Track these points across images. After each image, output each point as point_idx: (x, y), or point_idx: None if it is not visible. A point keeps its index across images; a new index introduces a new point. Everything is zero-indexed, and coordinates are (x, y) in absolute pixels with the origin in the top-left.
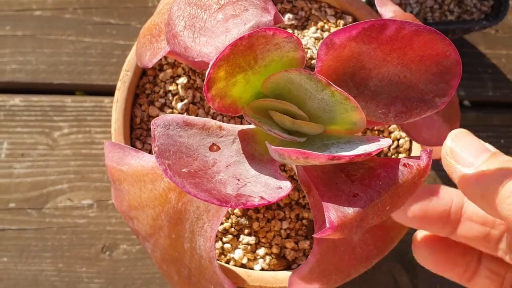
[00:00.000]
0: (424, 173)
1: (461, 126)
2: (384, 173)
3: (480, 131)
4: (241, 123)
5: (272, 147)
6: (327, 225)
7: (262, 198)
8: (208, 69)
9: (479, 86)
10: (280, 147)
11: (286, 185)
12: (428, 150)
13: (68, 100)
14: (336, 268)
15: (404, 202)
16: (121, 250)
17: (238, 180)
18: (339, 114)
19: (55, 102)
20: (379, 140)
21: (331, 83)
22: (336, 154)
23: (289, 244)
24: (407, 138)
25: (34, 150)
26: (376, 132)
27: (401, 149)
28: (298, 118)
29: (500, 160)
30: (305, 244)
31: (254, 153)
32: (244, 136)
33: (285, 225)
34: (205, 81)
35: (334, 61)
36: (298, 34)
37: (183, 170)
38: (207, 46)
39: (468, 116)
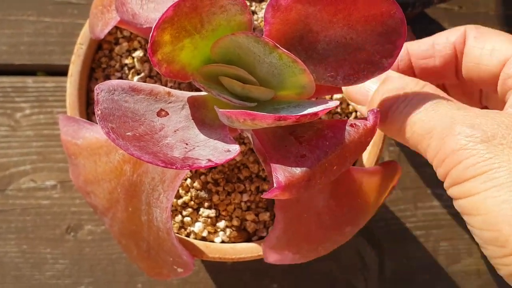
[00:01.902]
0: (371, 132)
1: None
2: (331, 133)
3: None
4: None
5: (220, 110)
6: (275, 185)
7: (209, 160)
8: (151, 31)
9: None
10: (227, 110)
11: (235, 148)
12: (375, 111)
13: (29, 80)
14: (305, 236)
15: (352, 161)
16: (85, 230)
17: (187, 144)
18: (287, 78)
19: (16, 83)
20: (327, 102)
21: (278, 46)
22: (282, 114)
23: (250, 217)
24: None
25: None
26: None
27: (350, 108)
28: (248, 83)
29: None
30: (265, 216)
31: (205, 119)
32: (194, 103)
33: (245, 197)
34: (149, 44)
35: (282, 25)
36: (256, 7)
37: (127, 134)
38: (155, 12)
39: None
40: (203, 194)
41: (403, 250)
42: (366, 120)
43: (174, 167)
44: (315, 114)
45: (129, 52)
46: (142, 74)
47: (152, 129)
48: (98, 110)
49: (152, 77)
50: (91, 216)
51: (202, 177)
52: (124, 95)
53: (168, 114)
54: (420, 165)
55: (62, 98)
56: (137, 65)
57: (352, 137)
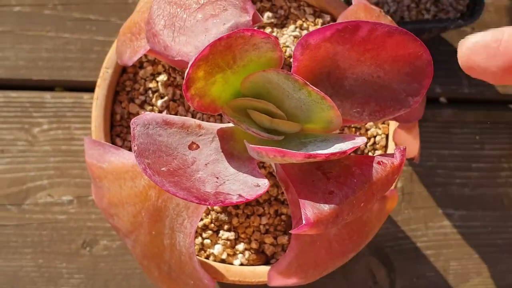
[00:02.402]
0: (398, 170)
1: (438, 123)
2: (359, 170)
3: (456, 127)
4: (221, 121)
5: (251, 145)
6: (303, 221)
7: (240, 195)
8: (187, 69)
9: (455, 83)
10: (258, 146)
11: (264, 183)
12: (402, 148)
13: (47, 96)
14: (314, 263)
15: (378, 198)
16: (101, 245)
17: (217, 178)
18: (315, 113)
19: (35, 98)
20: (354, 139)
21: (308, 83)
22: (312, 152)
23: (268, 240)
24: (383, 135)
25: (13, 146)
26: (354, 129)
27: (377, 145)
28: (276, 117)
29: None
30: (283, 239)
31: (233, 151)
32: (223, 135)
33: (264, 220)
34: (184, 81)
35: (310, 61)
36: (277, 33)
37: (162, 169)
38: (187, 46)
39: (444, 112)
40: (223, 216)
41: (413, 269)
42: (393, 157)
43: (208, 204)
44: (344, 152)
45: (153, 76)
46: (166, 98)
47: (184, 163)
48: (135, 146)
49: (175, 100)
50: (107, 231)
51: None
52: (158, 129)
53: (199, 147)
54: (432, 185)
55: (80, 114)
56: (161, 89)
57: (380, 175)
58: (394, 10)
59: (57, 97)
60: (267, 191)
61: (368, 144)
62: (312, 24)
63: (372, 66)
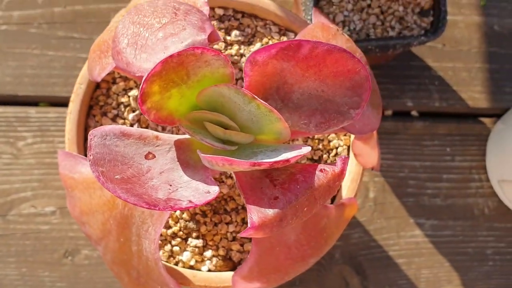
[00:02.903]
0: (339, 178)
1: (410, 135)
2: (302, 177)
3: (427, 140)
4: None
5: (202, 154)
6: (249, 225)
7: (190, 201)
8: (141, 83)
9: (426, 97)
10: (209, 155)
11: (214, 190)
12: (343, 157)
13: (32, 111)
14: (274, 268)
15: (322, 203)
16: (82, 255)
17: (170, 185)
18: (265, 125)
19: (20, 113)
20: (300, 148)
21: (256, 97)
22: (257, 161)
23: (235, 247)
24: (345, 146)
25: None
26: (316, 141)
27: (331, 145)
28: (230, 129)
29: None
30: (250, 246)
31: (189, 160)
32: (180, 145)
33: (231, 228)
34: (139, 95)
35: (260, 77)
36: (244, 50)
37: (116, 177)
38: (147, 62)
39: (415, 125)
40: (191, 224)
41: (386, 277)
42: (335, 165)
43: (157, 209)
44: (287, 160)
45: (125, 91)
46: (137, 112)
47: (139, 171)
48: (90, 155)
49: None
50: (88, 241)
51: (191, 209)
52: (115, 140)
53: (155, 156)
54: (404, 195)
55: (63, 128)
56: (133, 103)
57: (321, 181)
58: (360, 28)
59: (42, 112)
60: (235, 200)
61: (331, 155)
62: (278, 42)
63: (316, 81)
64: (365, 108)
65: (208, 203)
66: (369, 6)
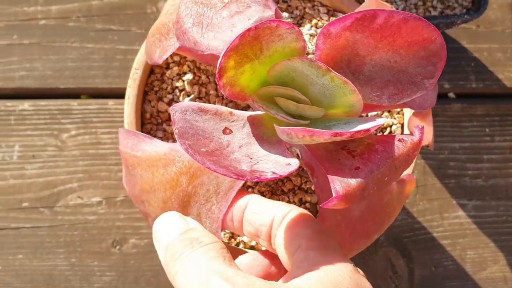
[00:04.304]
0: (417, 147)
1: (448, 117)
2: (382, 148)
3: (465, 121)
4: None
5: (280, 128)
6: (333, 195)
7: (273, 172)
8: (220, 58)
9: (463, 78)
10: (288, 127)
11: (295, 162)
12: (420, 127)
13: (74, 103)
14: (339, 244)
15: (400, 173)
16: (130, 244)
17: (251, 158)
18: (338, 98)
19: (62, 106)
20: (375, 120)
21: (331, 69)
22: (338, 130)
23: None
24: (398, 125)
25: (44, 151)
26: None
27: (385, 124)
28: (301, 103)
29: (181, 238)
30: None
31: (263, 135)
32: (252, 121)
33: None
34: (217, 70)
35: (331, 50)
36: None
37: (201, 150)
38: (215, 40)
39: (453, 107)
40: None
41: (431, 258)
42: (413, 135)
43: (245, 179)
44: (368, 130)
45: (179, 75)
46: (192, 96)
47: (220, 145)
48: (176, 129)
49: (201, 98)
50: (135, 230)
51: (250, 190)
52: (194, 115)
53: (232, 132)
54: (445, 177)
55: (105, 119)
56: (187, 88)
57: (401, 151)
58: (402, 8)
59: (83, 104)
60: (291, 181)
61: (385, 133)
62: (327, 22)
63: (389, 52)
64: None
65: (266, 183)
66: None
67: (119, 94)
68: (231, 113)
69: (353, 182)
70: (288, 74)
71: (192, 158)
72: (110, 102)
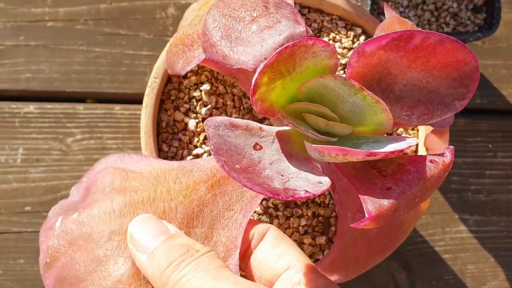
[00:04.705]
0: (448, 168)
1: (452, 132)
2: (414, 168)
3: (469, 137)
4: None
5: (312, 145)
6: (366, 215)
7: (307, 191)
8: (256, 75)
9: None
10: (320, 145)
11: (326, 180)
12: (451, 148)
13: (80, 107)
14: (355, 260)
15: (430, 194)
16: None
17: (282, 176)
18: (368, 116)
19: (68, 110)
20: (405, 139)
21: (363, 88)
22: (373, 151)
23: (307, 240)
24: None
25: (48, 155)
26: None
27: (408, 151)
28: (330, 120)
29: (173, 244)
30: (321, 240)
31: (291, 152)
32: (281, 137)
33: (303, 222)
34: (252, 86)
35: (363, 68)
36: None
37: (236, 166)
38: (245, 55)
39: (458, 122)
40: (264, 218)
41: (432, 272)
42: (443, 156)
43: (280, 198)
44: (401, 151)
45: (197, 85)
46: (209, 106)
47: (252, 162)
48: (211, 145)
49: (218, 108)
50: None
51: (264, 202)
52: (226, 131)
53: (262, 147)
54: (448, 191)
55: (112, 125)
56: (205, 98)
57: (433, 172)
58: (416, 24)
59: (89, 108)
60: None
61: None
62: (345, 37)
63: (422, 72)
64: None
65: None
66: (423, 2)
67: (126, 99)
68: (260, 128)
69: (385, 203)
70: (318, 91)
71: (220, 169)
72: (117, 107)
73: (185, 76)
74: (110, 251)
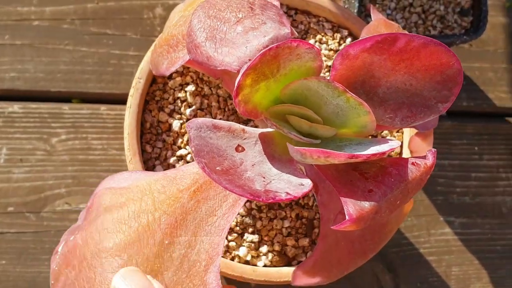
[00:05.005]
0: (430, 170)
1: (438, 134)
2: (396, 171)
3: (455, 139)
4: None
5: (294, 147)
6: (347, 217)
7: (288, 193)
8: (239, 77)
9: None
10: (302, 147)
11: (307, 182)
12: (433, 151)
13: (65, 107)
14: (337, 262)
15: (411, 196)
16: None
17: (264, 177)
18: (351, 119)
19: (53, 109)
20: (388, 142)
21: (347, 90)
22: (355, 153)
23: (290, 242)
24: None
25: (32, 155)
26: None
27: (392, 153)
28: (314, 122)
29: None
30: (304, 242)
31: (274, 153)
32: (264, 139)
33: (286, 224)
34: (235, 88)
35: (346, 70)
36: None
37: (217, 168)
38: (229, 56)
39: (444, 124)
40: (247, 220)
41: (417, 274)
42: (425, 159)
43: (260, 200)
44: (383, 153)
45: (182, 86)
46: (194, 107)
47: (234, 163)
48: (192, 147)
49: (202, 109)
50: None
51: (247, 204)
52: (208, 132)
53: (244, 149)
54: (433, 193)
55: (97, 125)
56: (189, 99)
57: (414, 174)
58: (403, 27)
59: (75, 109)
60: None
61: None
62: (331, 38)
63: (405, 75)
64: None
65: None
66: (411, 5)
67: (112, 100)
68: (243, 130)
69: (367, 205)
70: (301, 93)
71: (203, 174)
72: (102, 108)
73: (170, 77)
74: (99, 269)
